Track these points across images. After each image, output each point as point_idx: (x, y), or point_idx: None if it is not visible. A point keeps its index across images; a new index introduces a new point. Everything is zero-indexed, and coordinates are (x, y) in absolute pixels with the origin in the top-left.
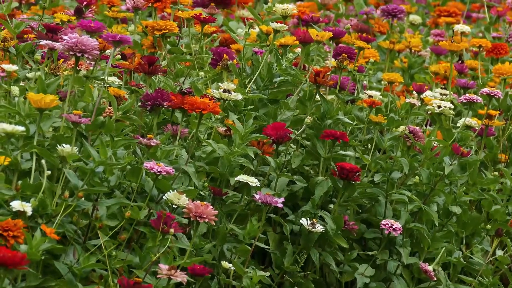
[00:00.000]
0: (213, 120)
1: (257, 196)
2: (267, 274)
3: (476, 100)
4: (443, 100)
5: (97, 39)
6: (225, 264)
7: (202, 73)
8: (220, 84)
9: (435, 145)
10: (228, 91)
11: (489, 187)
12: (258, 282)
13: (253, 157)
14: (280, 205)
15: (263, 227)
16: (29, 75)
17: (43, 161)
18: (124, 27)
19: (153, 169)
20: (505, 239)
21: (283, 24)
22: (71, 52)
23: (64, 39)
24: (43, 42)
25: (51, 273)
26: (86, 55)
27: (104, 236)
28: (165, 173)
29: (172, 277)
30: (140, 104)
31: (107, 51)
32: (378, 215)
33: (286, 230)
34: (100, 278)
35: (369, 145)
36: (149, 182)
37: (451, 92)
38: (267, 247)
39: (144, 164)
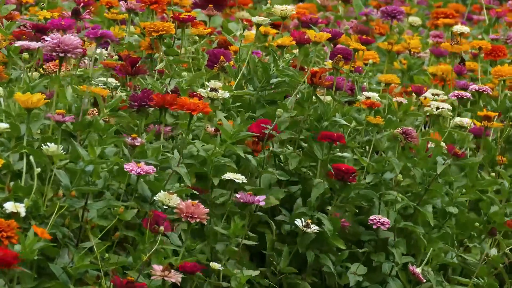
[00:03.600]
0: (195, 120)
1: (238, 196)
2: (256, 273)
3: (465, 96)
4: (435, 100)
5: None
6: (214, 265)
7: (185, 73)
8: (206, 83)
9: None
10: (215, 89)
11: (487, 188)
12: (254, 283)
13: (243, 156)
14: (262, 203)
15: (260, 227)
16: (23, 75)
17: (31, 158)
18: (122, 29)
19: (133, 171)
20: (500, 238)
21: (264, 18)
22: (54, 53)
23: (46, 40)
24: (18, 43)
25: (46, 276)
26: (69, 55)
27: (95, 238)
28: (144, 173)
29: (166, 278)
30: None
31: (97, 50)
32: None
33: (274, 230)
34: (97, 278)
35: (367, 147)
36: (141, 183)
37: (443, 92)
38: (253, 243)
39: (125, 166)
